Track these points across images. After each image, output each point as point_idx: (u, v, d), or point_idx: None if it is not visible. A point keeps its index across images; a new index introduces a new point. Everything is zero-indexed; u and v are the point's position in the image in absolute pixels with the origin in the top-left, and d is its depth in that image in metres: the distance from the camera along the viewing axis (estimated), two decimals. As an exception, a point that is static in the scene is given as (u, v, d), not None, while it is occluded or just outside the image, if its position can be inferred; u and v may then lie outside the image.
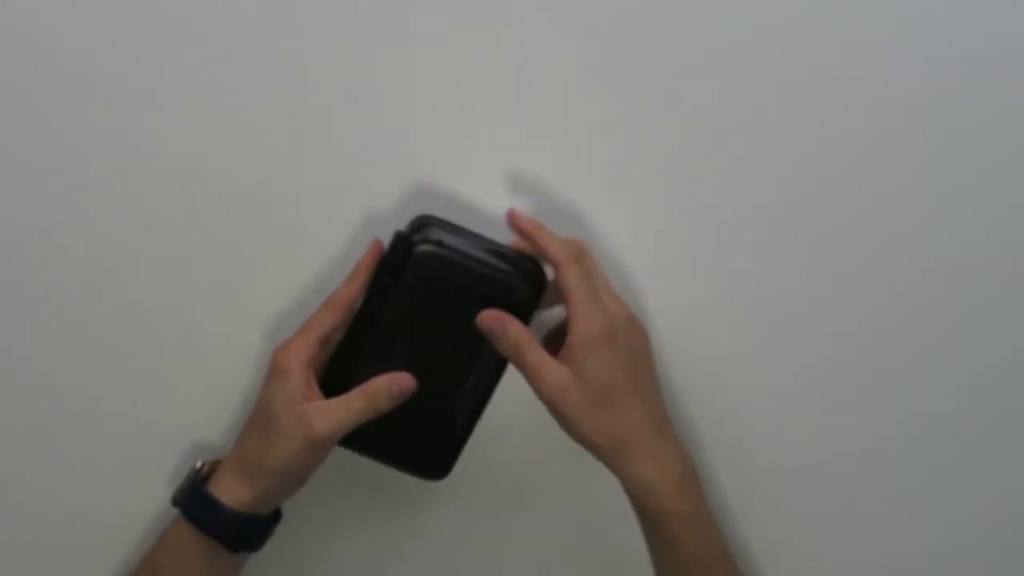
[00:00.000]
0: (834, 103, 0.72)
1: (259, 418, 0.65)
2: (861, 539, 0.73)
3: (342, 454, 0.68)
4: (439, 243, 0.64)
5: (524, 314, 0.65)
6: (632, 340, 0.65)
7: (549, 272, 0.66)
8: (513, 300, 0.65)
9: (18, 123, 0.71)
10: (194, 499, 0.65)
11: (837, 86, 0.72)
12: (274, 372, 0.64)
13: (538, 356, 0.63)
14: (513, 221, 0.67)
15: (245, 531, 0.65)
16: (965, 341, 0.72)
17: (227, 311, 0.71)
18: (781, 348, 0.73)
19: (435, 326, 0.65)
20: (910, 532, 0.73)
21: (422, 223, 0.66)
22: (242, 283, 0.72)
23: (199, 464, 0.67)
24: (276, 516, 0.68)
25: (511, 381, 0.65)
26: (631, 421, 0.63)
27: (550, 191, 0.72)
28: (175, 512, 0.66)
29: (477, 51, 0.71)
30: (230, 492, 0.64)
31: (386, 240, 0.66)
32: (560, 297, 0.65)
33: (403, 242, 0.65)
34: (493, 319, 0.64)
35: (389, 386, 0.64)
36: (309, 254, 0.71)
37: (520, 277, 0.65)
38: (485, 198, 0.72)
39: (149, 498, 0.72)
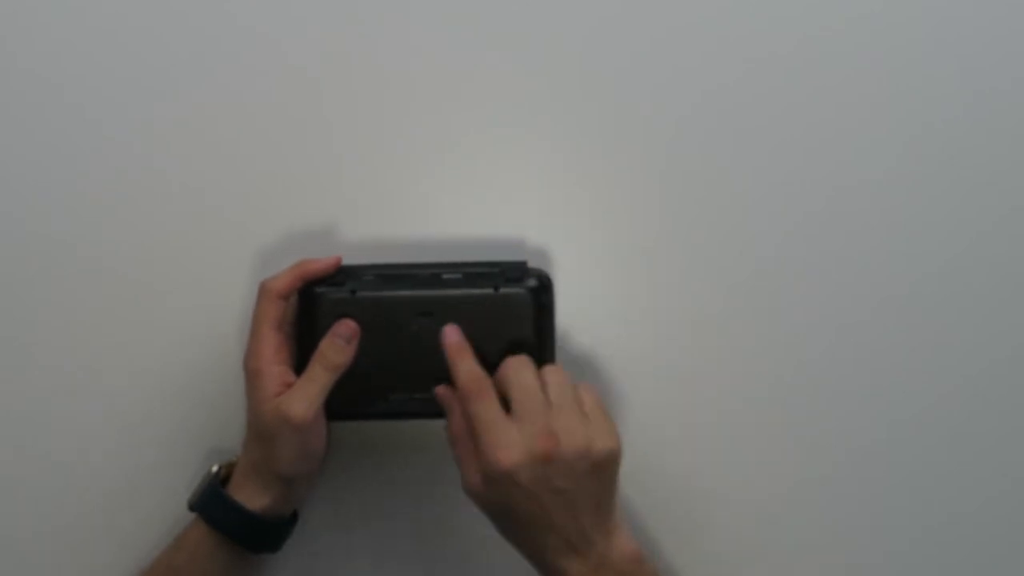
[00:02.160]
0: (833, 103, 0.73)
1: (251, 425, 0.65)
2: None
3: (353, 455, 0.69)
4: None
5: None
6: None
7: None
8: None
9: (17, 123, 0.72)
10: (214, 503, 0.65)
11: (836, 86, 0.73)
12: (249, 380, 0.65)
13: (492, 413, 0.61)
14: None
15: (267, 533, 0.66)
16: (964, 342, 0.73)
17: (240, 313, 0.72)
18: (781, 347, 0.73)
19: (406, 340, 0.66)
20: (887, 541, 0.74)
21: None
22: (251, 286, 0.72)
23: (216, 467, 0.68)
24: (294, 517, 0.69)
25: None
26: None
27: (548, 192, 0.73)
28: (189, 516, 0.66)
29: (476, 54, 0.73)
30: (251, 497, 0.65)
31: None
32: None
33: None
34: (454, 345, 0.64)
35: (334, 340, 0.65)
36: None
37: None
38: (483, 197, 0.73)
39: (160, 501, 0.72)
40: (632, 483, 0.72)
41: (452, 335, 0.64)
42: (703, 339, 0.73)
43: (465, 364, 0.63)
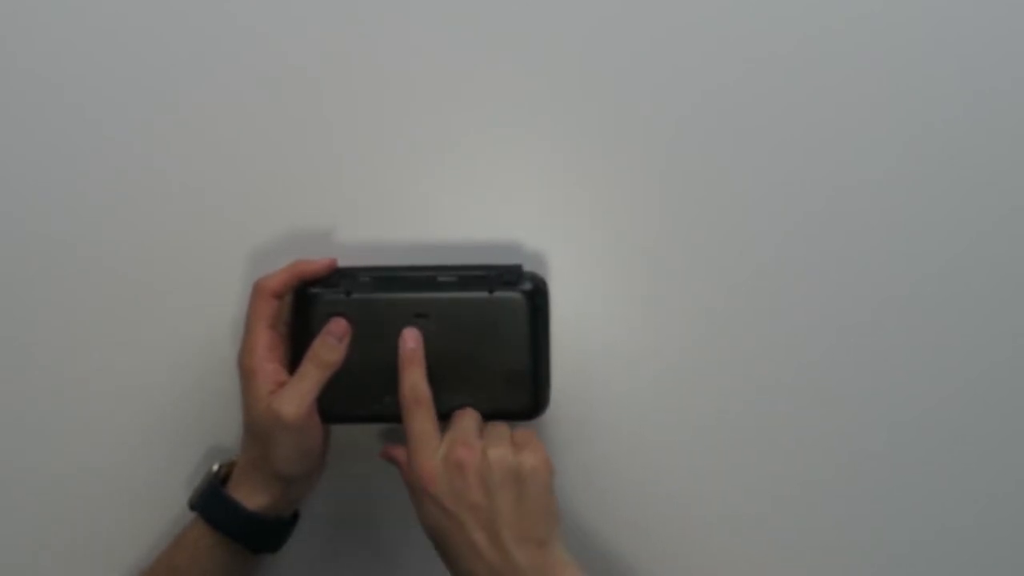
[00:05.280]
0: (833, 103, 0.73)
1: (247, 424, 0.65)
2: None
3: (353, 455, 0.69)
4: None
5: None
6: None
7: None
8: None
9: (17, 123, 0.72)
10: (214, 502, 0.65)
11: (836, 86, 0.73)
12: (243, 378, 0.65)
13: (424, 427, 0.63)
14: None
15: (266, 532, 0.66)
16: (964, 342, 0.73)
17: (240, 313, 0.71)
18: (782, 347, 0.73)
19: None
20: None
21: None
22: (251, 286, 0.72)
23: (216, 467, 0.68)
24: (294, 517, 0.69)
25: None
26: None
27: (548, 192, 0.73)
28: (189, 515, 0.66)
29: (476, 54, 0.73)
30: (251, 497, 0.65)
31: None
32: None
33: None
34: (408, 353, 0.64)
35: (326, 339, 0.65)
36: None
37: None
38: (482, 198, 0.73)
39: (160, 500, 0.72)
40: (631, 484, 0.72)
41: (409, 340, 0.65)
42: (703, 339, 0.73)
43: (411, 376, 0.64)
